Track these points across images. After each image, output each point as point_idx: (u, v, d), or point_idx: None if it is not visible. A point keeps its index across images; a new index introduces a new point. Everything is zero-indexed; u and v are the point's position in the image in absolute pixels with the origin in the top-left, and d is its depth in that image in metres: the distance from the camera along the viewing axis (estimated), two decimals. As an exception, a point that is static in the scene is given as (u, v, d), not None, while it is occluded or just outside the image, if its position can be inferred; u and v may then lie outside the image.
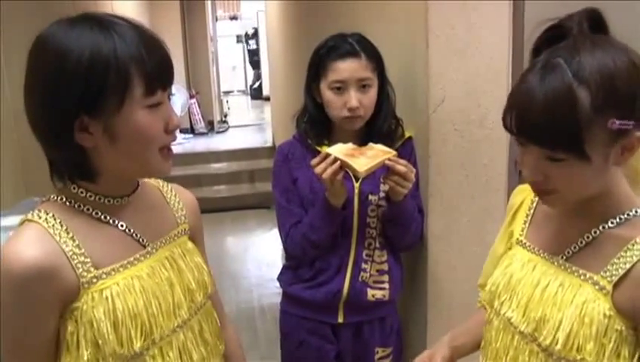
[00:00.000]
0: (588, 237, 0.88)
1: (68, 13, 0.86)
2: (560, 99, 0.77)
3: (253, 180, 6.51)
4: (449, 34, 1.50)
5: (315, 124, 1.56)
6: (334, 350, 1.61)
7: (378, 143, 1.43)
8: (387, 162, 1.37)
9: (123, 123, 0.83)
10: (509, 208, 1.09)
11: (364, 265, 1.54)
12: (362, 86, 1.47)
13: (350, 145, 1.42)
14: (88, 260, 0.86)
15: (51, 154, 0.89)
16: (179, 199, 1.06)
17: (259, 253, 4.80)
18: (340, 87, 1.46)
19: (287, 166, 1.58)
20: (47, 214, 0.86)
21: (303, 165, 1.54)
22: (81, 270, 0.84)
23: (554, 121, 0.78)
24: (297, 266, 1.60)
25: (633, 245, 0.83)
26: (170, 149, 0.92)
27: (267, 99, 9.94)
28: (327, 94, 1.49)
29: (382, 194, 1.52)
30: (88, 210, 0.90)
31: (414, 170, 1.42)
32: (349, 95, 1.45)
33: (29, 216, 0.87)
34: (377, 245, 1.55)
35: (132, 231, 0.93)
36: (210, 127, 8.59)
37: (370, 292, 1.55)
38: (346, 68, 1.45)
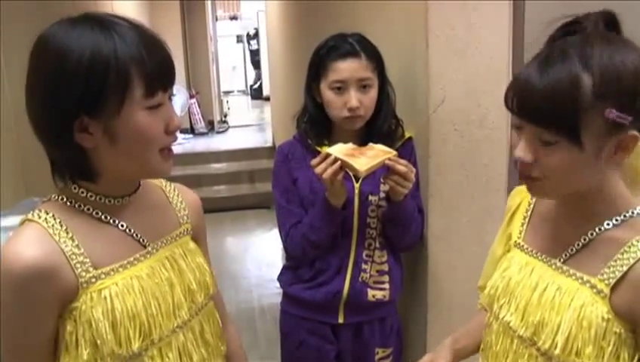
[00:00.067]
0: (585, 239, 0.88)
1: (68, 13, 0.86)
2: (564, 80, 0.78)
3: (253, 180, 6.50)
4: (449, 34, 1.50)
5: (315, 124, 1.55)
6: (334, 350, 1.61)
7: (378, 143, 1.43)
8: (387, 162, 1.37)
9: (123, 124, 0.83)
10: (506, 210, 1.09)
11: (364, 266, 1.54)
12: (362, 86, 1.47)
13: (350, 145, 1.42)
14: (87, 260, 0.86)
15: (52, 154, 0.90)
16: (181, 199, 1.06)
17: (259, 253, 4.80)
18: (340, 87, 1.46)
19: (287, 166, 1.58)
20: (47, 214, 0.86)
21: (303, 165, 1.54)
22: (79, 270, 0.84)
23: (554, 100, 0.79)
24: (297, 266, 1.60)
25: (630, 247, 0.83)
26: (170, 150, 0.91)
27: (267, 99, 9.93)
28: (328, 94, 1.49)
29: (382, 195, 1.52)
30: (89, 210, 0.90)
31: (414, 170, 1.42)
32: (350, 95, 1.45)
33: (29, 216, 0.87)
34: (377, 245, 1.55)
35: (133, 231, 0.93)
36: (211, 127, 8.58)
37: (370, 292, 1.55)
38: (347, 68, 1.45)
